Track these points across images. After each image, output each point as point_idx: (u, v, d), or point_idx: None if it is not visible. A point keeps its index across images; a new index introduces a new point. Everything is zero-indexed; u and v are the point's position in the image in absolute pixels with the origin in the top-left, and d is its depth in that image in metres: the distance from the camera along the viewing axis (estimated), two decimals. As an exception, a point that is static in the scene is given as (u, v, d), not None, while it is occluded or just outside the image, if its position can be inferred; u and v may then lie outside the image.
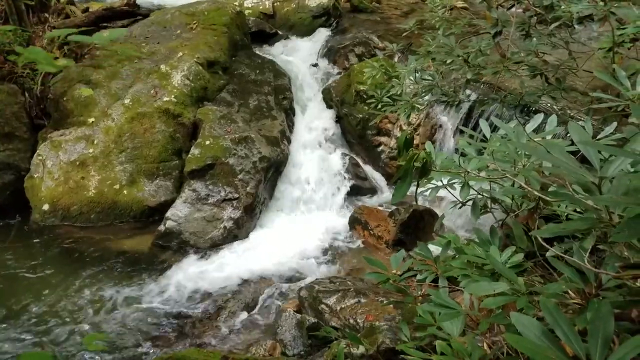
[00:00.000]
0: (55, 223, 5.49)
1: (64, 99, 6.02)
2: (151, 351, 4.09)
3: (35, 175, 5.63)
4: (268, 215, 5.85)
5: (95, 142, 5.74)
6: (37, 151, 5.74)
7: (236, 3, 8.17)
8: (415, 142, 5.95)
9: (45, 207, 5.50)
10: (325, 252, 5.36)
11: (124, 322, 4.36)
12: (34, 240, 5.30)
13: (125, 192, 5.56)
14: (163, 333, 4.27)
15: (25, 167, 5.75)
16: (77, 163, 5.63)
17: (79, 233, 5.42)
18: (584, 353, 1.13)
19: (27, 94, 6.02)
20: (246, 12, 8.09)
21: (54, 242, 5.28)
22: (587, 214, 1.38)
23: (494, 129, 2.32)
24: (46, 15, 6.95)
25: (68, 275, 4.86)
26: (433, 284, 2.27)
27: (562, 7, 2.89)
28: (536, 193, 1.71)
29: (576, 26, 3.07)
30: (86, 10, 7.47)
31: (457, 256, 2.16)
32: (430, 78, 3.37)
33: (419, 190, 2.23)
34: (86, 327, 4.28)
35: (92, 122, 5.86)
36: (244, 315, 4.50)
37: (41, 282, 4.77)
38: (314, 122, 6.80)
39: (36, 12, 6.82)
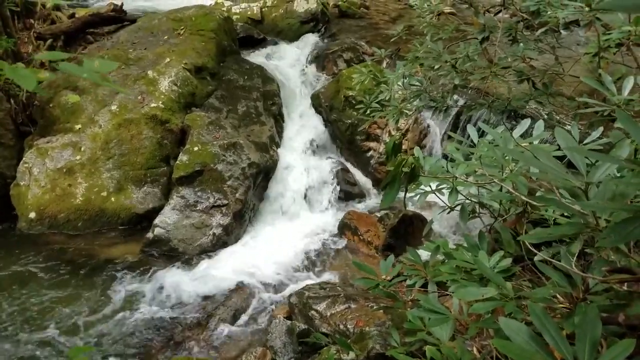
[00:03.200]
0: (43, 231, 5.42)
1: (50, 105, 5.97)
2: (139, 360, 4.05)
3: (22, 183, 5.56)
4: (257, 222, 5.83)
5: (82, 149, 5.68)
6: (23, 158, 5.67)
7: (224, 9, 8.18)
8: (403, 147, 5.97)
9: (32, 215, 5.43)
10: (315, 257, 5.35)
11: (111, 330, 4.31)
12: (21, 249, 5.23)
13: (112, 199, 5.51)
14: (152, 341, 4.23)
15: (11, 174, 5.68)
16: (64, 170, 5.57)
17: (66, 241, 5.35)
18: (572, 357, 1.13)
19: (12, 101, 5.96)
20: (234, 17, 8.09)
21: (41, 251, 5.20)
22: (574, 218, 1.39)
23: (481, 134, 2.33)
24: (32, 21, 6.90)
25: (55, 284, 4.79)
26: (422, 289, 2.27)
27: (549, 12, 2.92)
28: (524, 198, 1.72)
29: (562, 31, 3.11)
30: (72, 15, 7.42)
31: (446, 261, 2.16)
32: (418, 84, 3.39)
33: (408, 195, 2.24)
34: (73, 336, 4.23)
35: (79, 128, 5.81)
36: (234, 322, 4.46)
37: (27, 291, 4.70)
38: (303, 127, 6.80)
39: (22, 18, 6.77)
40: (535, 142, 2.06)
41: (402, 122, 5.88)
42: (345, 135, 6.52)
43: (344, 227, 5.64)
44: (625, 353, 1.09)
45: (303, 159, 6.42)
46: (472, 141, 2.28)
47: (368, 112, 3.70)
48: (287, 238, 5.55)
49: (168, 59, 6.38)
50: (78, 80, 6.12)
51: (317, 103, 6.89)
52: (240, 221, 5.52)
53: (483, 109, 3.68)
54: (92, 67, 1.12)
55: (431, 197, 2.33)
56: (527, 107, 3.66)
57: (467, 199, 2.27)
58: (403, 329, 2.33)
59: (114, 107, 5.87)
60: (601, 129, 2.07)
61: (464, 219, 2.24)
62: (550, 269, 1.66)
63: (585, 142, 1.99)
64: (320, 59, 7.56)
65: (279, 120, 6.71)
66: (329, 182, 6.19)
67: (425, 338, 2.06)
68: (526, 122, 2.17)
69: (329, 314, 4.04)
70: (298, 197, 6.03)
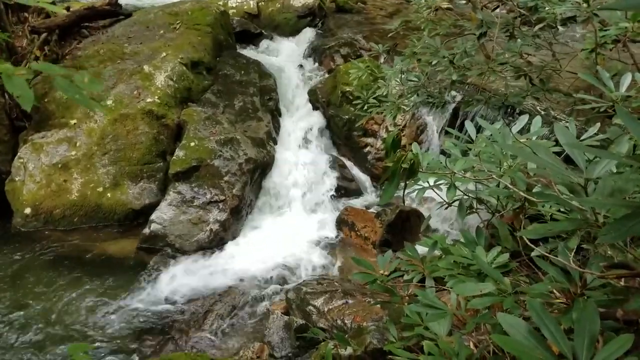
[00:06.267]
0: (38, 227, 5.40)
1: (45, 100, 5.93)
2: (138, 356, 4.05)
3: (17, 179, 5.53)
4: (254, 217, 5.82)
5: (77, 144, 5.66)
6: (18, 154, 5.64)
7: (220, 3, 8.13)
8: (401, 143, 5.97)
9: (27, 210, 5.40)
10: (312, 253, 5.35)
11: (109, 327, 4.31)
12: (16, 245, 5.21)
13: (108, 194, 5.49)
14: (149, 337, 4.23)
15: (6, 170, 5.65)
16: (60, 166, 5.54)
17: (62, 237, 5.33)
18: (571, 352, 1.14)
19: (7, 95, 5.90)
20: (230, 12, 8.05)
21: (36, 247, 5.19)
22: (573, 214, 1.40)
23: (478, 129, 2.33)
24: (26, 14, 6.83)
25: (50, 280, 4.78)
26: (420, 284, 2.27)
27: (547, 8, 2.92)
28: (522, 194, 1.73)
29: (560, 27, 3.11)
30: (67, 9, 7.35)
31: (443, 256, 2.17)
32: (415, 79, 3.38)
33: (406, 191, 2.23)
34: (70, 333, 4.22)
35: (74, 123, 5.78)
36: (231, 317, 4.47)
37: (22, 287, 4.69)
38: (300, 123, 6.79)
39: (16, 11, 6.70)
40: (533, 138, 2.07)
41: (400, 118, 5.88)
42: (343, 130, 6.51)
43: (341, 223, 5.64)
44: (623, 348, 1.10)
45: (300, 154, 6.40)
46: (469, 137, 2.28)
47: (365, 107, 3.70)
48: (284, 233, 5.55)
49: (164, 54, 6.35)
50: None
51: (314, 98, 6.88)
52: (237, 217, 5.51)
53: (480, 105, 3.68)
54: (81, 82, 1.11)
55: (428, 193, 2.33)
56: (524, 102, 3.66)
57: (465, 194, 2.27)
58: (400, 324, 2.34)
59: (109, 102, 5.84)
60: (598, 125, 2.07)
61: (462, 214, 2.25)
62: (547, 264, 1.66)
63: (582, 138, 1.99)
64: (317, 54, 7.54)
65: (275, 115, 6.69)
66: (326, 178, 6.18)
67: (423, 333, 2.06)
68: (524, 118, 2.18)
69: (326, 309, 4.05)
70: (295, 193, 6.02)
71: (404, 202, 2.42)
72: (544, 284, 1.65)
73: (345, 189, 6.22)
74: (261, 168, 5.91)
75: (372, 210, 5.82)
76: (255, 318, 4.47)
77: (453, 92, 5.01)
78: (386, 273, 2.48)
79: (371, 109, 3.63)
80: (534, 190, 1.82)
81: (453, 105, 5.43)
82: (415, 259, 2.32)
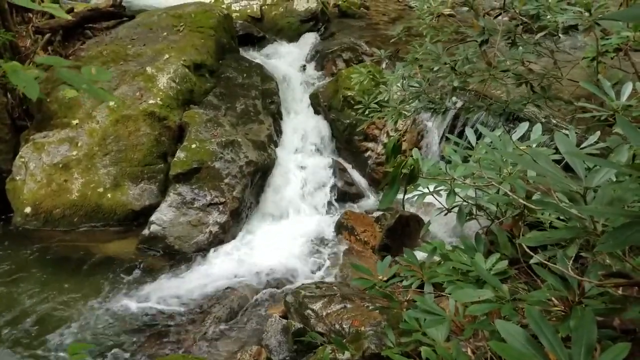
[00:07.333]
0: (38, 226, 5.40)
1: (48, 100, 5.94)
2: (134, 357, 4.04)
3: (17, 178, 5.54)
4: (254, 220, 5.83)
5: (79, 144, 5.67)
6: (20, 153, 5.65)
7: (224, 6, 8.16)
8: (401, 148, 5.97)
9: (28, 210, 5.41)
10: (311, 257, 5.35)
11: (106, 327, 4.30)
12: (16, 244, 5.21)
13: (109, 195, 5.49)
14: (147, 339, 4.22)
15: (7, 168, 5.66)
16: (60, 165, 5.55)
17: (61, 237, 5.34)
18: (568, 360, 1.14)
19: (9, 95, 5.92)
20: (234, 15, 8.07)
21: (36, 246, 5.19)
22: (572, 222, 1.40)
23: (479, 136, 2.34)
24: (30, 15, 6.86)
25: (49, 280, 4.78)
26: (419, 289, 2.27)
27: (548, 16, 2.93)
28: (521, 201, 1.73)
29: (561, 36, 3.12)
30: (71, 10, 7.38)
31: (442, 262, 2.17)
32: (417, 85, 3.39)
33: (406, 196, 2.24)
34: (67, 334, 4.21)
35: (76, 124, 5.79)
36: (229, 320, 4.46)
37: (21, 287, 4.68)
38: (301, 127, 6.80)
39: (20, 11, 6.72)
40: (534, 146, 2.07)
41: (401, 123, 5.88)
42: (344, 135, 6.52)
43: (341, 227, 5.65)
44: (620, 357, 1.10)
45: (301, 158, 6.42)
46: (469, 143, 2.29)
47: (367, 112, 3.71)
48: (284, 237, 5.55)
49: (167, 56, 6.36)
50: (76, 76, 6.08)
51: (316, 102, 6.90)
52: (237, 219, 5.51)
53: (481, 112, 3.69)
54: (89, 74, 1.12)
55: (428, 198, 2.34)
56: (525, 110, 3.67)
57: (465, 201, 2.28)
58: (398, 329, 2.34)
59: (112, 103, 5.85)
60: (598, 133, 2.08)
61: (461, 220, 2.25)
62: (546, 272, 1.67)
63: (582, 146, 2.00)
64: (319, 59, 7.56)
65: (277, 118, 6.71)
66: (326, 182, 6.19)
67: (421, 339, 2.06)
68: (525, 125, 2.18)
69: (324, 313, 4.04)
70: (295, 196, 6.03)
71: (403, 208, 2.42)
72: (542, 292, 1.66)
73: (345, 193, 6.23)
74: (262, 171, 5.91)
75: (371, 214, 5.82)
76: (254, 321, 4.46)
77: (454, 99, 5.02)
78: (385, 278, 2.48)
79: (372, 113, 3.64)
80: (533, 198, 1.83)
81: (454, 111, 5.44)
82: (414, 265, 2.32)
